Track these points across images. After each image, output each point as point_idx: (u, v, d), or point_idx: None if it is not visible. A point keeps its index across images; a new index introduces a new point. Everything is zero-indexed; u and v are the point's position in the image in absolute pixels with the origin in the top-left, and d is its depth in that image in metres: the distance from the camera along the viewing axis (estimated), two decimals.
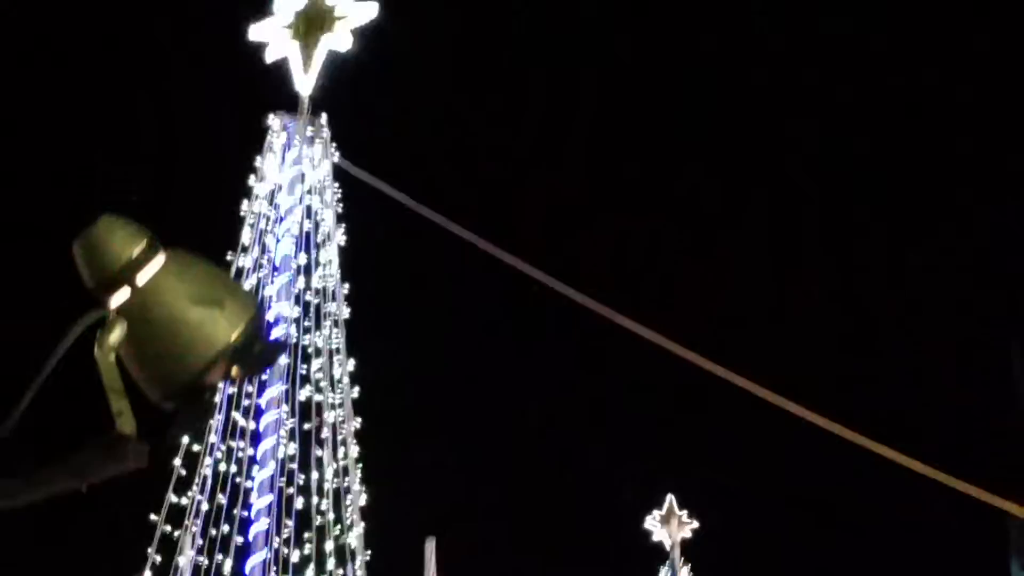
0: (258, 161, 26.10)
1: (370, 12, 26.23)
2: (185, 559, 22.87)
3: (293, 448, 23.98)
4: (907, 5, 41.71)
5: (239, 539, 23.25)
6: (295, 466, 23.87)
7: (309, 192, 25.92)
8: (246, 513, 23.43)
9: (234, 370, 3.94)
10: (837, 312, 42.12)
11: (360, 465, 24.82)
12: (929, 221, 42.93)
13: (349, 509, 24.29)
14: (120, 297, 3.89)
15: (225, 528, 23.28)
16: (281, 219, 25.65)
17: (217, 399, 23.56)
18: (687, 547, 31.88)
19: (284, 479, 23.64)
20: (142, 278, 3.88)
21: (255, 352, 3.96)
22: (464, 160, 40.53)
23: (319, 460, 24.12)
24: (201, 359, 3.86)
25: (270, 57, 26.59)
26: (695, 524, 31.70)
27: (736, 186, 44.00)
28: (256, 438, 24.00)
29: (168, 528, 23.03)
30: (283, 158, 26.13)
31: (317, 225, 25.78)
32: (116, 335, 3.84)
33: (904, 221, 43.23)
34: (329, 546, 23.67)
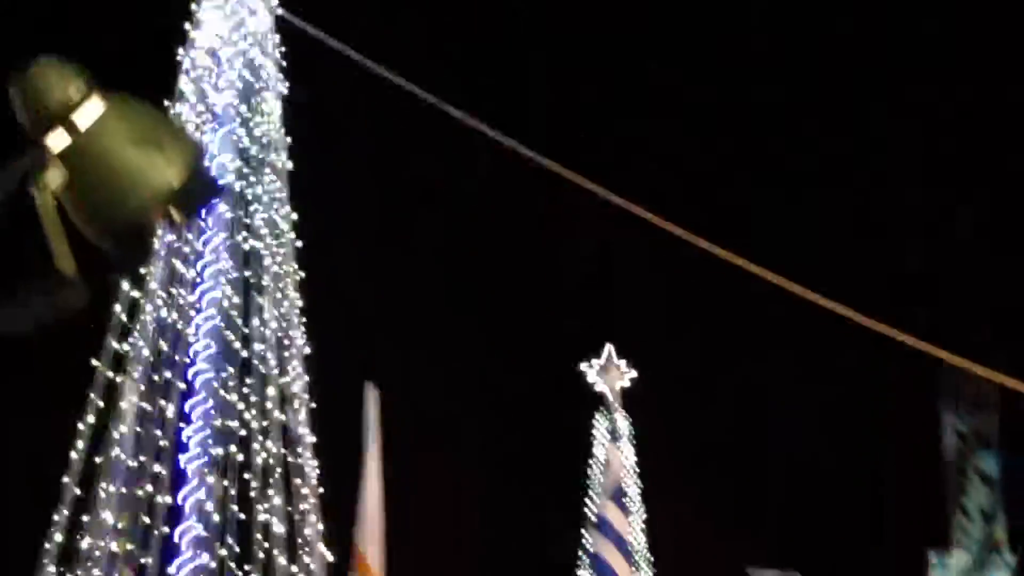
0: (194, 6, 25.74)
1: None
2: (127, 403, 23.00)
3: (235, 297, 24.03)
4: None
5: (182, 385, 23.39)
6: (236, 313, 23.97)
7: (248, 41, 25.63)
8: (188, 360, 23.55)
9: (174, 211, 4.01)
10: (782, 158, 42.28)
11: (302, 316, 24.94)
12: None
13: (291, 357, 24.46)
14: (58, 139, 3.93)
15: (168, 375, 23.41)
16: (220, 68, 25.39)
17: (158, 247, 23.55)
18: (625, 396, 32.19)
19: (225, 326, 23.73)
20: (82, 121, 3.92)
21: (194, 193, 4.03)
22: (414, 12, 40.15)
23: (260, 308, 24.22)
24: (141, 200, 3.93)
25: None
26: (633, 374, 32.00)
27: None
28: (198, 287, 24.04)
29: (110, 374, 23.10)
30: (223, 5, 25.77)
31: (258, 75, 25.58)
32: (54, 175, 3.90)
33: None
34: (271, 391, 23.85)
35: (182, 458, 22.93)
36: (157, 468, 22.80)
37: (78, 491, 22.51)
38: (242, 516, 22.98)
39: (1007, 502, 33.97)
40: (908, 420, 36.67)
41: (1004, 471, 34.51)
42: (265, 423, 23.67)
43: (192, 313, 23.89)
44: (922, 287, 36.87)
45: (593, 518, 28.51)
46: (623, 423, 31.80)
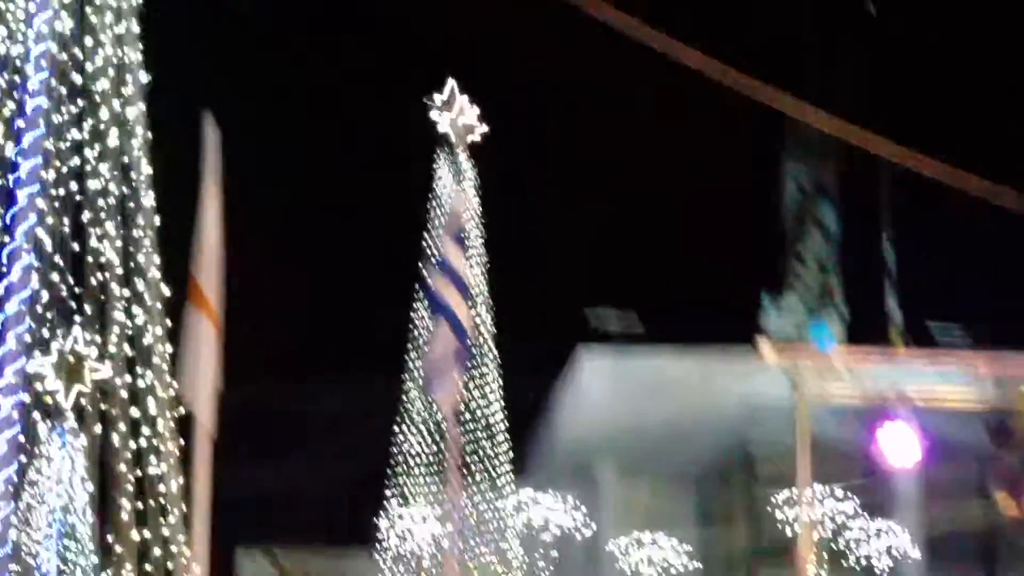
0: None
1: None
2: None
3: (69, 21, 23.30)
4: None
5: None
6: (70, 37, 23.29)
7: None
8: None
9: None
10: None
11: (140, 42, 24.34)
12: None
13: (127, 84, 23.98)
14: None
15: None
16: None
17: None
18: (471, 137, 31.83)
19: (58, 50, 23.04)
20: None
21: None
22: None
23: (95, 32, 23.59)
24: None
25: None
26: (478, 112, 31.58)
27: None
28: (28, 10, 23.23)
29: None
30: None
31: None
32: None
33: None
34: (104, 114, 23.43)
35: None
36: None
37: None
38: (76, 248, 22.70)
39: (842, 251, 34.75)
40: (749, 167, 37.05)
41: (840, 222, 35.21)
42: (100, 150, 23.26)
43: (23, 37, 23.11)
44: (771, 38, 36.88)
45: (432, 257, 28.53)
46: (467, 164, 31.54)
